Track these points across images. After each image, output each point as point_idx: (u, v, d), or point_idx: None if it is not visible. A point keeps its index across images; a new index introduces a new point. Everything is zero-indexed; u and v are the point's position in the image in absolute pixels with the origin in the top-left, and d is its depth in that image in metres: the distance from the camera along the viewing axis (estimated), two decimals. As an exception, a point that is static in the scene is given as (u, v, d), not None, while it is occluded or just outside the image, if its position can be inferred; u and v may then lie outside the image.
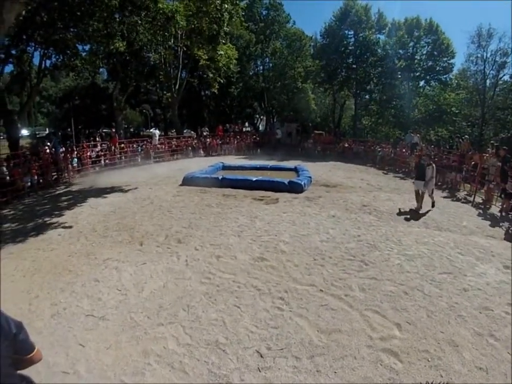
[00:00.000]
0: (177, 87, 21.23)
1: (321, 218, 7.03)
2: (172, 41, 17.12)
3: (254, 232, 6.17)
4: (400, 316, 3.60)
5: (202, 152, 19.67)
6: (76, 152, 13.80)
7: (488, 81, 29.03)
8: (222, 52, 19.57)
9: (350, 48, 26.58)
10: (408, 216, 7.43)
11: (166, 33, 13.85)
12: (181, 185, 10.58)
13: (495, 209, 8.43)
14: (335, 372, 2.79)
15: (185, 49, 20.53)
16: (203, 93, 30.26)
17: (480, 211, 8.27)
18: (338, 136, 22.29)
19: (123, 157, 16.07)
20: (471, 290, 4.17)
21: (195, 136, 20.86)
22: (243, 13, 23.61)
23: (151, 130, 25.71)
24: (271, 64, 29.97)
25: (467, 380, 2.74)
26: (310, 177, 10.77)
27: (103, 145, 16.17)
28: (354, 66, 26.46)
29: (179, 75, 21.62)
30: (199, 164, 14.23)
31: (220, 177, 10.49)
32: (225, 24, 18.00)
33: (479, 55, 28.64)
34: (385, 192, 9.88)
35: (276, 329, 3.36)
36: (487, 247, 5.65)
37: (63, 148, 13.97)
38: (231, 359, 2.96)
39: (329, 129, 27.81)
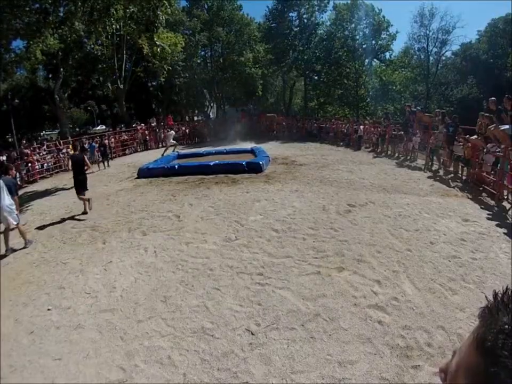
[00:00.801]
0: (122, 78, 20.03)
1: (284, 194, 7.10)
2: (114, 30, 16.01)
3: (220, 214, 6.05)
4: (378, 273, 3.74)
5: (153, 144, 19.05)
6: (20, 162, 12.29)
7: (431, 58, 30.83)
8: (158, 42, 18.85)
9: (295, 30, 26.92)
10: (368, 184, 7.76)
11: (106, 24, 12.86)
12: (137, 178, 10.11)
13: (447, 172, 9.05)
14: (330, 335, 2.82)
15: (128, 38, 19.38)
16: (150, 84, 28.90)
17: (430, 174, 8.90)
18: (291, 117, 22.75)
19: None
20: (438, 243, 4.46)
21: (144, 127, 20.03)
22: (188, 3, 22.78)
23: (97, 128, 24.10)
24: (219, 51, 29.36)
25: (450, 319, 2.93)
26: (268, 156, 10.84)
27: (50, 148, 14.70)
28: (301, 48, 26.88)
29: (124, 66, 20.36)
30: (153, 156, 13.60)
31: (177, 166, 10.21)
32: (163, 9, 17.23)
33: (422, 33, 30.31)
34: (342, 165, 10.26)
35: (260, 305, 3.31)
36: (444, 205, 6.09)
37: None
38: (222, 342, 2.86)
39: (281, 111, 28.12)
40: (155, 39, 18.20)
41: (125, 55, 20.21)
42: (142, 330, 3.11)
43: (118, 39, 19.31)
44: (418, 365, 2.45)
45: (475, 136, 7.96)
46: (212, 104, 31.66)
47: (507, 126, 6.56)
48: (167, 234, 5.35)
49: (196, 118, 30.14)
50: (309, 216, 5.62)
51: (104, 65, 20.53)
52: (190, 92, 29.04)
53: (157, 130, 19.93)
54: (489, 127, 7.17)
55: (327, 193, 7.06)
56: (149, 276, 4.08)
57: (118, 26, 16.88)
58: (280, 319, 3.08)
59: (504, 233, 5.01)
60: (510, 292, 0.36)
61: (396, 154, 11.98)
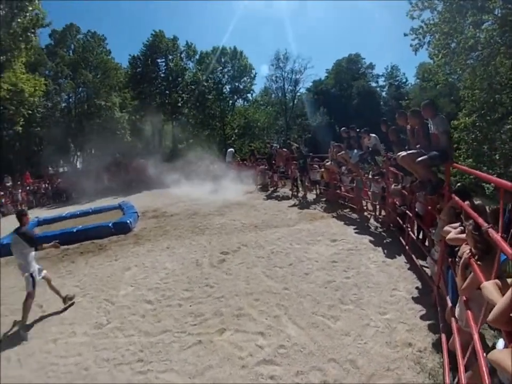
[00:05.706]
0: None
1: (155, 255, 6.62)
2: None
3: (88, 294, 5.20)
4: (260, 323, 3.72)
5: (10, 208, 15.61)
6: None
7: (287, 95, 36.99)
8: (4, 87, 16.50)
9: (162, 75, 27.86)
10: (240, 225, 7.87)
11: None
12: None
13: (311, 196, 10.40)
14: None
15: None
16: (5, 133, 24.24)
17: (297, 201, 9.91)
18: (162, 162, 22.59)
19: None
20: (312, 272, 4.84)
21: (-2, 189, 16.39)
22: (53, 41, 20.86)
23: None
24: (84, 96, 27.33)
25: (338, 348, 3.17)
26: (136, 212, 10.13)
27: None
28: (167, 92, 27.88)
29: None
30: (12, 224, 10.90)
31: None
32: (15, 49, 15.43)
33: (278, 74, 36.27)
34: (213, 208, 10.03)
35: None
36: (313, 230, 6.78)
37: None
38: None
39: (151, 156, 27.71)
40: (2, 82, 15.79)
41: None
42: None
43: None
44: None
45: (329, 162, 9.32)
46: (78, 154, 28.65)
47: (355, 151, 7.70)
48: (28, 333, 4.25)
49: (61, 170, 26.46)
50: (183, 276, 5.34)
51: None
52: (53, 141, 25.79)
53: (13, 191, 16.48)
54: (339, 153, 8.31)
55: (200, 244, 6.88)
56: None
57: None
58: (167, 409, 2.73)
59: (370, 241, 5.86)
60: None
61: (264, 187, 12.82)
